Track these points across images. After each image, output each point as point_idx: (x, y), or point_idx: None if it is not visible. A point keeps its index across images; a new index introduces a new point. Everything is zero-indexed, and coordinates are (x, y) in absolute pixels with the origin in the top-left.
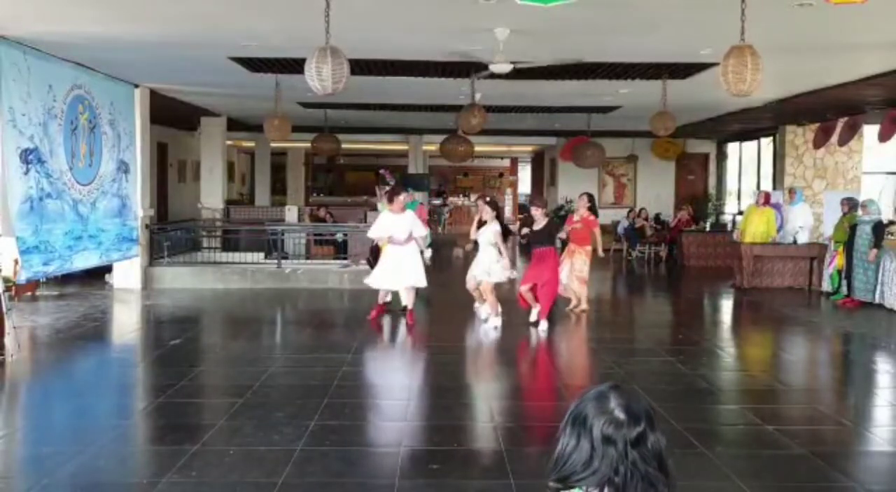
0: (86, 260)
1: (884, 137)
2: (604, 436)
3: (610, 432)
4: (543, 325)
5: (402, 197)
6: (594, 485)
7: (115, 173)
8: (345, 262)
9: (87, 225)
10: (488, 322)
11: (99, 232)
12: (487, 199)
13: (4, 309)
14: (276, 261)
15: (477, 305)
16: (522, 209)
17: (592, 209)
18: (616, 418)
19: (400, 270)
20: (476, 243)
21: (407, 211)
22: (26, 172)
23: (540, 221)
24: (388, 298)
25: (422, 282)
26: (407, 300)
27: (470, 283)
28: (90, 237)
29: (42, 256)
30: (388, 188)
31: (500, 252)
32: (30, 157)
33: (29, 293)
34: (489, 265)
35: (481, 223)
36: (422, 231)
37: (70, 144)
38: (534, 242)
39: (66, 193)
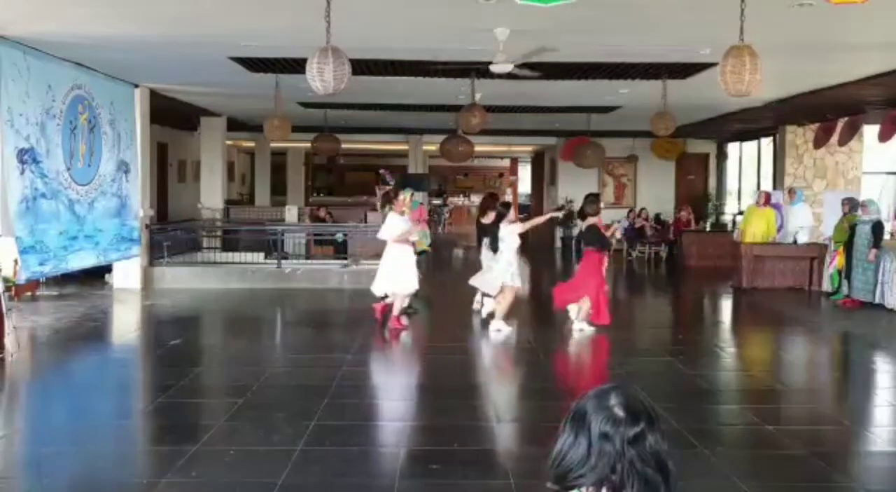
0: (82, 260)
1: (884, 137)
2: (601, 432)
3: (607, 428)
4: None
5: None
6: (591, 483)
7: (115, 173)
8: (345, 262)
9: (84, 225)
10: (502, 332)
11: (96, 232)
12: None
13: (4, 309)
14: (276, 261)
15: (498, 325)
16: (522, 209)
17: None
18: (615, 415)
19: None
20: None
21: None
22: (22, 172)
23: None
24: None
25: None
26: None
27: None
28: (87, 237)
29: (37, 257)
30: (387, 189)
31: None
32: (25, 157)
33: (29, 293)
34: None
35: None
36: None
37: (69, 144)
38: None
39: (61, 193)
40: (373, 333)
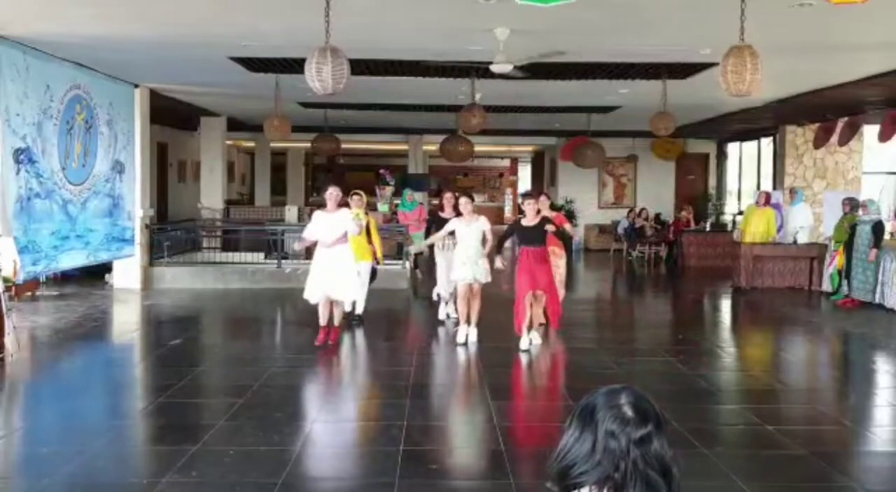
0: (72, 260)
1: (884, 137)
2: (608, 431)
3: (615, 427)
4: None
5: (329, 191)
6: (594, 480)
7: (109, 173)
8: None
9: (76, 225)
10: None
11: (87, 232)
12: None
13: (4, 309)
14: (276, 261)
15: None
16: (521, 210)
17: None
18: (623, 414)
19: (329, 279)
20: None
21: (342, 209)
22: (18, 173)
23: (531, 218)
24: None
25: (349, 295)
26: (336, 315)
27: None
28: (77, 237)
29: (30, 256)
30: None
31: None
32: (21, 157)
33: (29, 293)
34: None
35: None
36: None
37: (64, 144)
38: (524, 242)
39: (55, 192)
40: (372, 332)
